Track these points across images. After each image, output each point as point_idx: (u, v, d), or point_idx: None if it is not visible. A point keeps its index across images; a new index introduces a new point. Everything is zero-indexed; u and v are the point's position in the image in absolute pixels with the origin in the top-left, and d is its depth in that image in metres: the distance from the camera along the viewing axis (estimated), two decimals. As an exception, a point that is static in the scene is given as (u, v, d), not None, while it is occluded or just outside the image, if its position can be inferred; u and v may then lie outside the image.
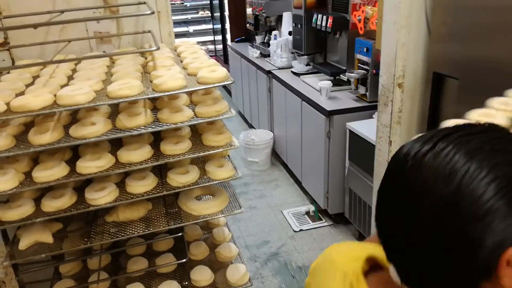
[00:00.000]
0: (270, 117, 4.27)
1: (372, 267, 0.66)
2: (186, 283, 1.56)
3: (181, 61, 1.64)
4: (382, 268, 0.66)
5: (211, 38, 7.35)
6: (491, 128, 0.54)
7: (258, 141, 4.09)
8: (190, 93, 1.56)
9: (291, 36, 3.92)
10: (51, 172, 1.28)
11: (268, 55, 4.39)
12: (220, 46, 6.61)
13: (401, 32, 1.88)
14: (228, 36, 5.89)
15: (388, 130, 2.03)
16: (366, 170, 2.64)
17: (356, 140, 2.73)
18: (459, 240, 0.49)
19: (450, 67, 1.79)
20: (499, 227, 0.48)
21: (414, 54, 1.93)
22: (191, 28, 8.03)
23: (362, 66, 2.87)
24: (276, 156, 4.28)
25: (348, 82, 3.15)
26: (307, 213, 3.42)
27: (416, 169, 0.52)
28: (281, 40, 4.07)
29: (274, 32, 4.33)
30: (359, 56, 2.87)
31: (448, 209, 0.49)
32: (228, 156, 1.61)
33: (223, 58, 6.49)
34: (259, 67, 4.32)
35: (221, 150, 1.41)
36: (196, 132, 1.57)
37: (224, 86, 6.12)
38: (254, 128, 4.74)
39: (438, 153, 0.51)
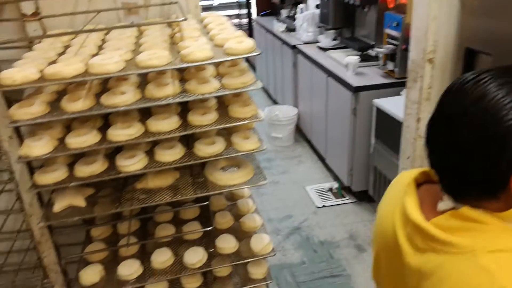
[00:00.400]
0: (294, 92, 4.24)
1: (429, 181, 0.78)
2: (212, 250, 1.61)
3: (208, 33, 1.65)
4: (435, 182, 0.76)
5: (236, 12, 7.27)
6: None
7: (282, 117, 4.09)
8: (216, 65, 1.57)
9: (318, 10, 3.85)
10: (83, 138, 1.32)
11: (294, 30, 4.33)
12: (245, 20, 6.53)
13: (432, 5, 1.83)
14: (253, 10, 5.82)
15: (416, 107, 2.00)
16: (392, 148, 2.61)
17: (383, 117, 2.69)
18: (483, 152, 0.61)
19: (483, 42, 1.73)
20: None
21: (446, 28, 1.87)
22: (215, 2, 7.95)
23: (391, 41, 2.80)
24: (300, 133, 4.28)
25: (376, 57, 3.09)
26: (330, 189, 3.43)
27: (458, 92, 0.66)
28: (308, 13, 4.00)
29: (300, 6, 4.26)
30: (388, 30, 2.80)
31: (477, 126, 0.62)
32: (254, 128, 1.62)
33: (248, 33, 6.43)
34: (284, 42, 4.28)
35: (247, 122, 1.43)
36: (223, 104, 1.58)
37: (249, 61, 6.09)
38: (278, 104, 4.73)
39: (477, 81, 0.64)
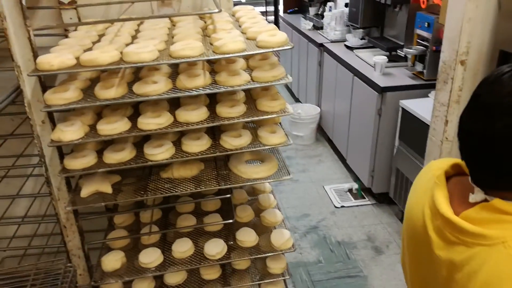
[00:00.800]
0: (318, 91, 4.22)
1: (459, 173, 0.78)
2: (231, 242, 1.61)
3: (240, 26, 1.65)
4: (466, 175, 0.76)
5: (262, 8, 7.25)
6: None
7: (304, 115, 4.07)
8: (247, 58, 1.57)
9: (347, 8, 3.81)
10: (114, 126, 1.34)
11: (321, 28, 4.30)
12: (271, 17, 6.52)
13: (468, 6, 1.79)
14: (281, 7, 5.80)
15: (445, 109, 1.96)
16: (416, 151, 2.58)
17: (409, 119, 2.65)
18: None
19: (520, 45, 1.69)
20: None
21: (481, 30, 1.83)
22: (243, -2, 7.94)
23: (422, 42, 2.75)
24: (321, 132, 4.25)
25: (404, 58, 3.05)
26: (350, 190, 3.40)
27: (495, 83, 0.66)
28: (336, 12, 3.97)
29: (329, 3, 4.23)
30: (419, 31, 2.76)
31: (511, 117, 0.62)
32: (280, 123, 1.62)
33: (274, 30, 6.42)
34: (311, 40, 4.25)
35: (274, 116, 1.43)
36: (251, 98, 1.58)
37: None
38: (301, 102, 4.71)
39: None
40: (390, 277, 2.52)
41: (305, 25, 4.57)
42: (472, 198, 0.70)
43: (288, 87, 5.37)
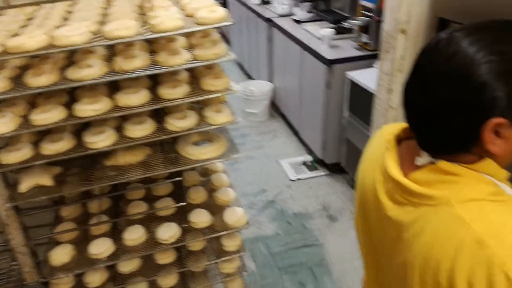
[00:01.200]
0: (269, 67, 4.20)
1: (410, 137, 0.79)
2: (185, 225, 1.60)
3: (178, 2, 1.58)
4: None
5: (209, -16, 7.06)
6: (507, 24, 0.66)
7: (257, 92, 4.06)
8: (188, 36, 1.52)
9: (293, -18, 3.78)
10: (48, 115, 1.27)
11: (269, 2, 4.25)
12: (218, -7, 6.37)
13: (407, -24, 1.81)
14: (227, -19, 5.66)
15: (388, 78, 2.01)
16: (365, 120, 2.64)
17: (356, 90, 2.70)
18: (456, 109, 0.64)
19: (455, 12, 1.73)
20: (487, 99, 0.61)
21: (420, -1, 1.86)
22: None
23: (366, 13, 2.78)
24: (275, 108, 4.26)
25: (350, 30, 3.07)
26: (304, 163, 3.45)
27: (432, 51, 0.67)
28: (282, -15, 3.92)
29: (275, -23, 4.17)
30: (363, 2, 2.78)
31: (449, 84, 0.63)
32: (226, 102, 1.59)
33: (222, 5, 6.28)
34: (259, 15, 4.20)
35: (219, 95, 1.40)
36: (194, 77, 1.54)
37: (224, 36, 5.98)
38: (254, 79, 4.68)
39: (450, 39, 0.65)
40: (344, 243, 2.62)
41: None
42: (419, 161, 0.72)
43: (240, 64, 5.32)
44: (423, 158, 0.72)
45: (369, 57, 2.85)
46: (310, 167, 3.40)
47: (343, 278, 2.41)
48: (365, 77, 2.64)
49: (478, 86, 0.61)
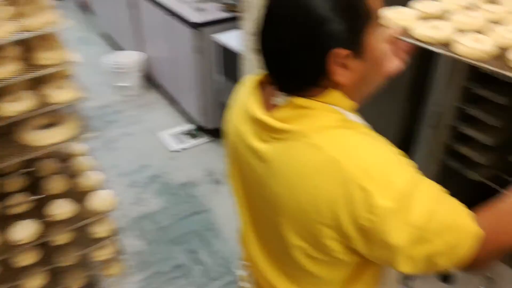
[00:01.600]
0: (138, 36, 3.94)
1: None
2: (46, 219, 1.44)
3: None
4: None
5: None
6: None
7: (125, 64, 3.80)
8: (12, 5, 1.30)
9: None
10: None
11: (127, -35, 3.93)
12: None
13: None
14: None
15: (252, 38, 2.00)
16: (237, 82, 2.63)
17: (225, 53, 2.66)
18: (300, 46, 0.67)
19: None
20: (326, 32, 0.65)
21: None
22: None
23: (225, -28, 2.71)
24: (151, 79, 4.05)
25: (213, -9, 2.99)
26: (187, 132, 3.38)
27: None
28: None
29: None
30: (221, -39, 2.70)
31: (291, 22, 0.67)
32: (71, 76, 1.43)
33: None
34: (118, -21, 3.87)
35: (55, 70, 1.24)
36: (28, 52, 1.34)
37: (85, 4, 5.46)
38: (125, 50, 4.37)
39: None
40: (231, 203, 2.65)
41: (109, -38, 4.12)
42: (275, 101, 0.76)
43: (109, 36, 4.91)
44: (280, 98, 0.75)
45: (235, 19, 2.81)
46: (193, 135, 3.34)
47: (233, 237, 2.45)
48: (231, 39, 2.61)
49: (317, 21, 0.65)
